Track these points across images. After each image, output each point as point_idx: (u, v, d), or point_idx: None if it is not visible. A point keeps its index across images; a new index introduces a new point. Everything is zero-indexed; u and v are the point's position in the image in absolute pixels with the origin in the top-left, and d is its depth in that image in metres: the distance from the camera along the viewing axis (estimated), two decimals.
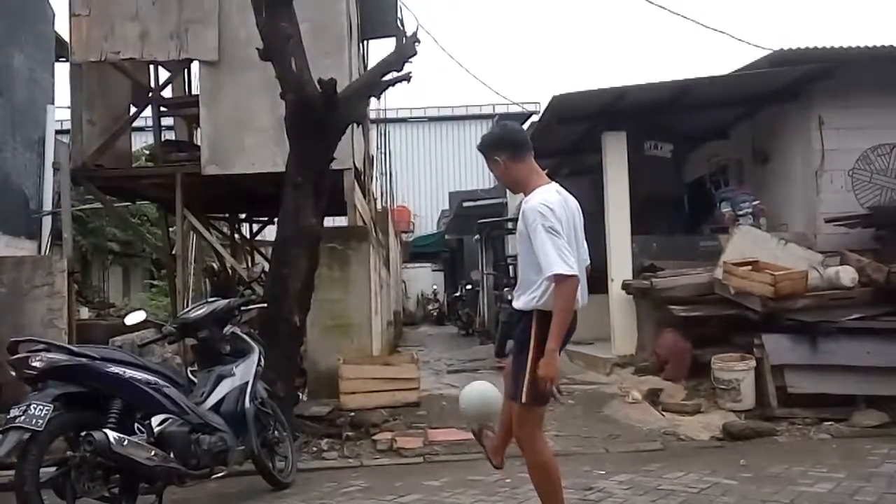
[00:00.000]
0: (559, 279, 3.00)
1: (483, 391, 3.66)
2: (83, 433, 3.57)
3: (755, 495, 4.17)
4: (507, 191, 10.98)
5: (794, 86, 8.51)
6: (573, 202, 3.35)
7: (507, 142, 3.39)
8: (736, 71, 8.44)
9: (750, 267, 6.97)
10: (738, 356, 6.60)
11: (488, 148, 3.41)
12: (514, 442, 3.38)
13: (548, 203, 3.15)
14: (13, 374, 3.69)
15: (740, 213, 8.68)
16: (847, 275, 6.85)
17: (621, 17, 65.06)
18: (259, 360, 4.68)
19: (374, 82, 6.41)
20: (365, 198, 10.36)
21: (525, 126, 18.50)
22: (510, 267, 13.94)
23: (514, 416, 3.31)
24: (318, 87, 5.71)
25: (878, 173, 8.60)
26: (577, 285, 3.04)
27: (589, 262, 3.49)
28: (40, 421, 3.40)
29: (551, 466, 3.26)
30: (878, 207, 8.31)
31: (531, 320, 3.17)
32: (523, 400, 3.17)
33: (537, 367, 3.09)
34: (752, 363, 6.44)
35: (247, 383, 4.50)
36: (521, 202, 3.41)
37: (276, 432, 4.87)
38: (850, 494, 4.13)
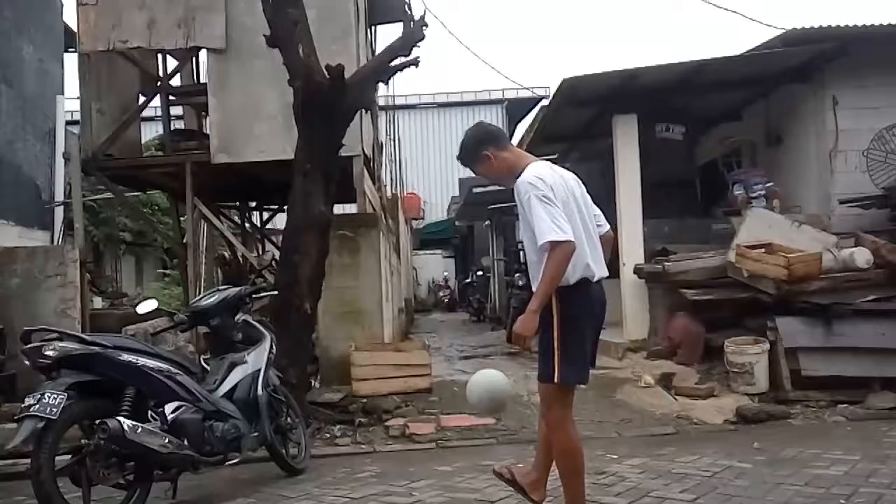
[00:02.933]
0: (552, 245, 2.94)
1: (488, 381, 3.56)
2: (97, 421, 3.59)
3: (769, 478, 4.15)
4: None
5: (808, 65, 8.39)
6: (570, 175, 3.31)
7: (487, 136, 3.38)
8: (749, 51, 8.34)
9: (763, 250, 6.92)
10: (751, 339, 6.57)
11: (473, 148, 3.36)
12: (545, 426, 3.31)
13: (538, 175, 3.12)
14: (27, 363, 3.71)
15: (753, 195, 8.59)
16: (862, 256, 6.79)
17: None
18: (271, 347, 4.69)
19: (383, 68, 6.38)
20: (374, 185, 10.34)
21: (535, 110, 18.44)
22: (521, 252, 13.92)
23: (543, 398, 3.24)
24: (325, 73, 5.68)
25: (894, 153, 8.48)
26: (570, 251, 2.95)
27: (607, 227, 3.44)
28: (55, 409, 3.42)
29: (578, 453, 3.22)
30: (894, 188, 8.21)
31: (551, 300, 3.08)
32: (556, 379, 3.10)
33: (564, 344, 3.05)
34: (766, 346, 6.41)
35: (259, 370, 4.51)
36: None
37: (288, 419, 4.89)
38: (866, 477, 4.10)
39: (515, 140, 12.86)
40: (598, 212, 3.41)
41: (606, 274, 3.29)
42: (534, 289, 3.18)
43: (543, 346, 3.15)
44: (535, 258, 3.15)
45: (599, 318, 3.33)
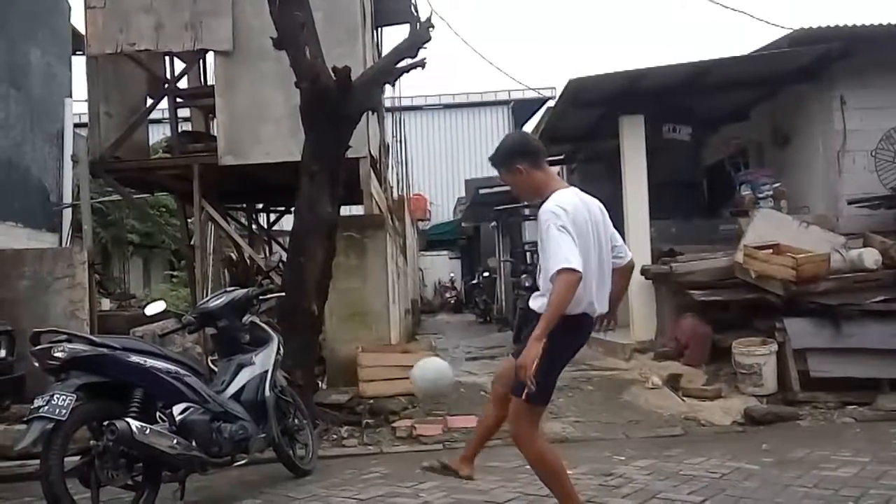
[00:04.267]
0: (561, 274, 2.95)
1: (437, 369, 3.65)
2: (106, 422, 3.60)
3: (778, 480, 4.14)
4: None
5: (815, 65, 8.36)
6: (595, 204, 3.32)
7: (528, 149, 3.35)
8: (756, 51, 8.31)
9: (771, 250, 6.89)
10: (759, 340, 6.55)
11: (509, 156, 3.34)
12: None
13: (562, 204, 3.12)
14: (36, 364, 3.72)
15: (760, 195, 8.57)
16: (870, 257, 6.76)
17: None
18: (278, 348, 4.70)
19: (389, 69, 6.38)
20: (381, 186, 10.35)
21: (541, 111, 18.39)
22: (527, 254, 13.89)
23: (511, 413, 3.27)
24: (332, 75, 5.69)
25: None
26: (576, 281, 2.96)
27: (629, 257, 3.49)
28: (64, 411, 3.44)
29: (551, 458, 3.25)
30: None
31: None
32: (526, 397, 3.10)
33: (544, 367, 3.05)
34: (774, 347, 6.39)
35: (266, 372, 4.52)
36: None
37: (296, 420, 4.90)
38: (875, 478, 4.09)
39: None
40: (621, 241, 3.44)
41: (606, 310, 3.34)
42: (532, 304, 3.25)
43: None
44: (544, 278, 3.16)
45: (576, 352, 3.39)
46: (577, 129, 10.34)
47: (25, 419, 3.57)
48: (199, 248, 9.10)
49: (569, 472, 3.40)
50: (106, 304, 12.55)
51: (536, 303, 3.24)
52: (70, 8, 13.39)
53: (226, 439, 4.11)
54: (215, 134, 8.79)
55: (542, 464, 3.25)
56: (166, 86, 9.39)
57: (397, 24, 11.78)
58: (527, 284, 10.54)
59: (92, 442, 3.65)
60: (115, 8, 8.15)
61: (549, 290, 3.04)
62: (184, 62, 9.44)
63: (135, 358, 3.83)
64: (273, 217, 12.45)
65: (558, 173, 13.43)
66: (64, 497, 3.45)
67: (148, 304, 5.12)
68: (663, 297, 8.10)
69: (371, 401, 6.39)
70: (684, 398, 6.50)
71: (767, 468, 4.43)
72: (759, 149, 9.90)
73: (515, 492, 4.15)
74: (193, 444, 3.91)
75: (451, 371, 3.58)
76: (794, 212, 8.24)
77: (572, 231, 3.04)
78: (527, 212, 13.78)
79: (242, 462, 4.30)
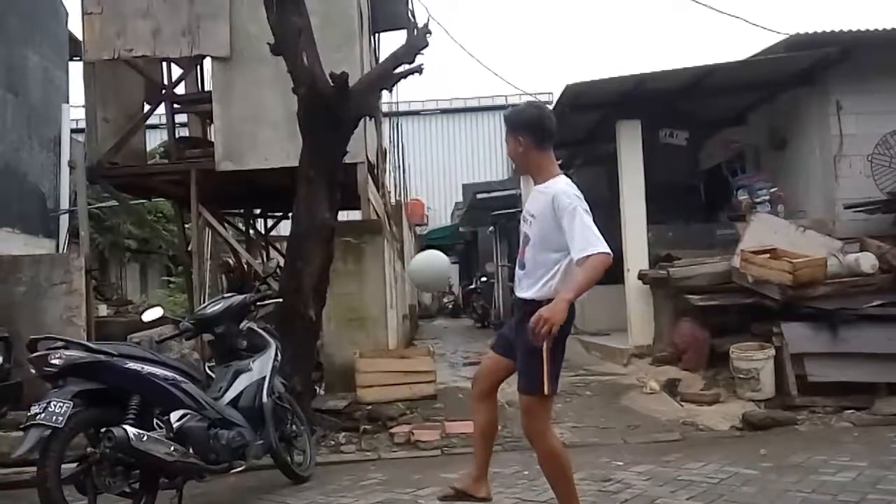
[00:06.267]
0: (601, 255, 2.97)
1: (431, 259, 3.60)
2: (103, 429, 3.59)
3: (776, 485, 4.13)
4: (521, 179, 10.94)
5: (812, 70, 8.40)
6: None
7: (531, 125, 3.31)
8: (753, 56, 8.34)
9: (768, 255, 6.90)
10: (756, 345, 6.55)
11: (518, 125, 3.33)
12: (525, 435, 3.38)
13: (575, 190, 3.18)
14: (33, 371, 3.71)
15: (757, 200, 8.59)
16: (867, 261, 6.77)
17: (635, 3, 64.53)
18: (276, 354, 4.68)
19: (386, 75, 6.39)
20: (378, 191, 10.36)
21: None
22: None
23: (527, 410, 3.26)
24: (329, 80, 5.70)
25: None
26: (609, 263, 3.00)
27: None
28: (60, 418, 3.43)
29: (563, 456, 3.25)
30: None
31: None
32: (546, 391, 3.11)
33: (555, 355, 3.09)
34: (772, 352, 6.39)
35: (264, 378, 4.51)
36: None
37: (293, 426, 4.89)
38: (873, 483, 4.08)
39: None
40: None
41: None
42: (518, 292, 3.26)
43: (531, 357, 3.13)
44: (553, 256, 3.16)
45: (567, 332, 3.35)
46: (575, 133, 10.35)
47: (22, 426, 3.55)
48: (196, 254, 9.10)
49: None
50: (103, 310, 12.48)
51: (532, 290, 3.19)
52: (67, 13, 13.41)
53: (223, 446, 4.09)
54: (213, 139, 8.80)
55: (551, 459, 3.23)
56: (164, 91, 9.40)
57: (395, 29, 11.81)
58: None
59: (89, 449, 3.64)
60: (112, 13, 8.17)
61: (552, 270, 3.12)
62: (181, 68, 9.45)
63: (132, 364, 3.82)
64: (270, 222, 12.45)
65: None
66: None
67: (145, 310, 5.11)
68: (661, 301, 8.10)
69: (369, 406, 6.38)
70: (682, 403, 6.50)
71: (766, 473, 4.42)
72: (756, 153, 9.93)
73: (514, 497, 4.15)
74: (191, 450, 3.89)
75: (445, 259, 3.52)
76: (791, 216, 8.26)
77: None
78: None
79: (240, 469, 4.27)
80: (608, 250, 2.99)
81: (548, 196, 3.19)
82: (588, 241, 3.01)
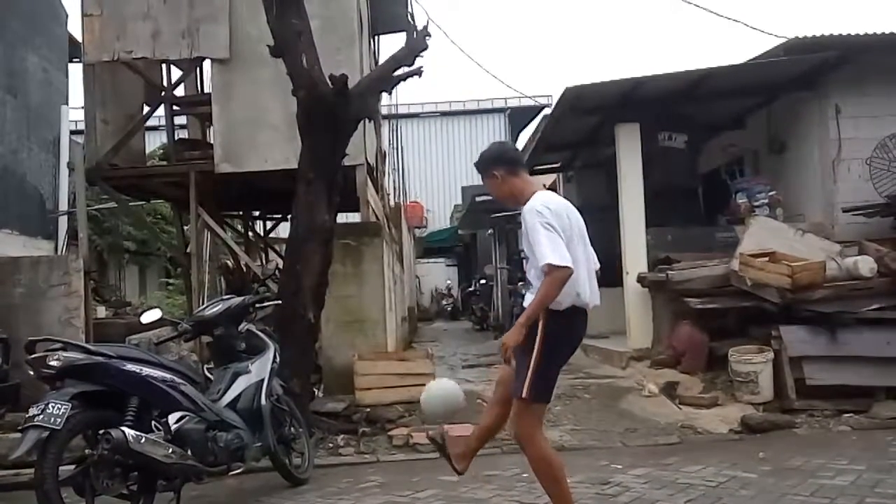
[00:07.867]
0: (550, 268, 3.08)
1: (445, 389, 3.73)
2: (101, 431, 3.59)
3: (774, 488, 4.13)
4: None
5: (811, 74, 8.40)
6: (573, 209, 3.45)
7: (504, 158, 3.54)
8: (752, 59, 8.34)
9: (767, 258, 6.91)
10: (755, 348, 6.55)
11: (487, 163, 3.53)
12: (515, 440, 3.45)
13: (546, 203, 3.27)
14: (31, 373, 3.71)
15: (756, 203, 8.59)
16: (866, 265, 6.77)
17: (633, 6, 64.64)
18: (274, 356, 4.68)
19: (386, 77, 6.40)
20: (377, 193, 10.36)
21: (537, 119, 18.42)
22: (524, 261, 13.88)
23: (514, 413, 3.34)
24: (329, 83, 5.70)
25: None
26: (566, 277, 3.10)
27: (598, 266, 3.58)
28: (59, 419, 3.42)
29: (553, 461, 3.31)
30: None
31: (538, 318, 3.21)
32: (524, 395, 3.22)
33: (541, 363, 3.17)
34: (770, 355, 6.39)
35: (262, 380, 4.50)
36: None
37: (292, 429, 4.88)
38: (871, 486, 4.09)
39: (517, 147, 12.87)
40: (593, 251, 3.53)
41: (599, 303, 3.43)
42: (526, 303, 3.33)
43: (520, 363, 3.25)
44: (536, 272, 3.26)
45: (575, 348, 3.48)
46: (574, 136, 10.36)
47: (20, 428, 3.55)
48: (195, 256, 9.09)
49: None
50: (102, 311, 12.50)
51: (528, 301, 3.30)
52: (67, 15, 13.42)
53: (221, 448, 4.09)
54: (212, 141, 8.80)
55: (542, 464, 3.30)
56: (163, 93, 9.40)
57: (394, 32, 11.82)
58: (523, 292, 10.52)
59: (87, 451, 3.63)
60: (112, 15, 8.17)
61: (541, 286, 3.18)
62: (181, 70, 9.45)
63: (130, 366, 3.82)
64: (269, 224, 12.45)
65: (555, 181, 13.55)
66: None
67: (144, 311, 5.10)
68: (660, 304, 8.10)
69: (367, 409, 6.37)
70: (681, 406, 6.50)
71: (764, 477, 4.42)
72: (755, 156, 9.93)
73: (513, 500, 4.15)
74: (189, 452, 3.89)
75: (458, 388, 3.64)
76: (789, 220, 8.26)
77: (557, 227, 3.18)
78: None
79: (238, 471, 4.27)
80: (555, 260, 3.07)
81: (523, 214, 3.32)
82: (542, 254, 3.12)
